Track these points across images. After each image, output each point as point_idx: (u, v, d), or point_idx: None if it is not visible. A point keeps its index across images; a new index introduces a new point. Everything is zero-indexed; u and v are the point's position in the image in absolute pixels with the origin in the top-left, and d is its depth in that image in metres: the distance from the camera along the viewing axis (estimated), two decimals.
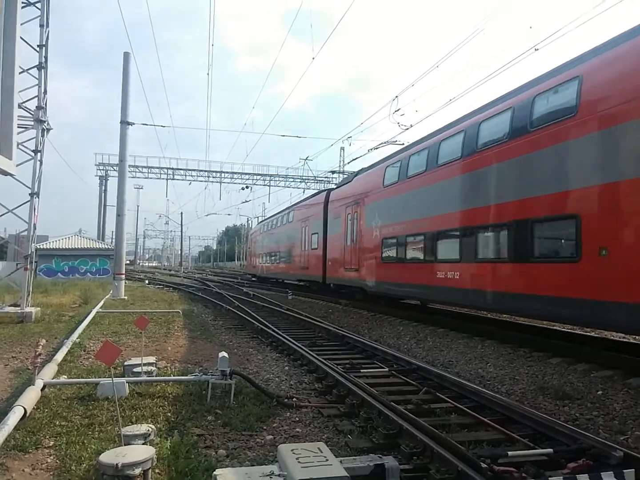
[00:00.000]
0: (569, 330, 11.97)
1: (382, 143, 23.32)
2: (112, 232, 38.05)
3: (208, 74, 47.58)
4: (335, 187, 24.48)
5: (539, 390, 6.75)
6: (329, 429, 5.22)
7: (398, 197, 14.99)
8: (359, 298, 18.63)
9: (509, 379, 7.54)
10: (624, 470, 3.78)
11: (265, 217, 40.72)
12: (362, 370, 7.63)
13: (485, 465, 3.84)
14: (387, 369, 7.83)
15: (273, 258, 33.49)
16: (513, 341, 10.53)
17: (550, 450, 4.30)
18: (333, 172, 49.00)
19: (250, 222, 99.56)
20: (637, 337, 11.53)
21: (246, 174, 50.20)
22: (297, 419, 5.48)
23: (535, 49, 11.70)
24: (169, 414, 5.39)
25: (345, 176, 23.17)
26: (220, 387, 6.13)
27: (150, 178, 48.65)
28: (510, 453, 4.19)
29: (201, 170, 49.17)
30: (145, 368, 6.83)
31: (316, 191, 33.96)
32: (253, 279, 40.79)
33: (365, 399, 5.78)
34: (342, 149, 51.22)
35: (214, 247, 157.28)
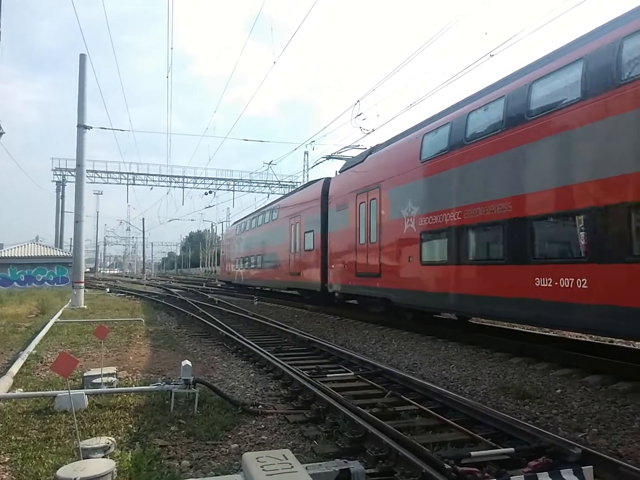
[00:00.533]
0: (529, 331, 12.30)
1: (344, 147, 23.47)
2: (71, 239, 37.04)
3: (167, 77, 47.02)
4: (337, 173, 19.60)
5: (501, 390, 6.90)
6: (295, 435, 5.19)
7: (450, 172, 10.92)
8: (378, 311, 14.85)
9: (471, 379, 7.68)
10: (583, 467, 3.90)
11: (242, 217, 36.34)
12: (328, 375, 7.63)
13: (449, 467, 3.89)
14: (352, 373, 7.85)
15: (253, 263, 29.14)
16: (476, 342, 10.74)
17: (512, 449, 4.39)
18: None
19: (214, 227, 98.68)
20: (593, 336, 11.95)
21: (209, 178, 49.69)
22: (263, 426, 5.43)
23: (491, 55, 12.00)
24: (131, 426, 5.25)
25: (351, 158, 18.94)
26: (183, 397, 6.01)
27: (110, 183, 47.62)
28: (473, 453, 4.26)
29: (163, 175, 48.40)
30: (105, 379, 6.64)
31: (305, 183, 28.50)
32: (230, 287, 36.71)
33: (331, 404, 5.77)
34: (306, 153, 51.35)
35: (178, 254, 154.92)
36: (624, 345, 10.25)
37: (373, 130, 20.96)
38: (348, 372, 8.03)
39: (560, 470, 3.83)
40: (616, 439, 4.96)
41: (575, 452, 4.20)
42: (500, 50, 11.75)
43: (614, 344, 10.46)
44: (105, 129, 23.92)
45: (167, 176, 48.59)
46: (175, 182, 49.30)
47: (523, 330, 12.46)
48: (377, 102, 52.80)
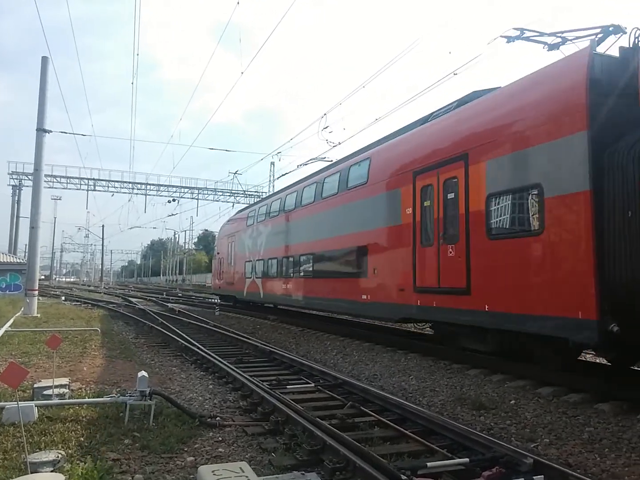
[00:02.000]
0: None
1: (311, 159, 23.57)
2: (26, 245, 35.74)
3: (132, 83, 46.30)
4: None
5: (458, 401, 7.01)
6: (252, 447, 5.13)
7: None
8: None
9: (429, 390, 7.78)
10: (534, 477, 4.01)
11: (258, 201, 27.36)
12: (288, 387, 7.59)
13: (405, 477, 3.93)
14: (313, 385, 7.84)
15: (293, 267, 17.78)
16: (434, 354, 10.90)
17: (467, 459, 4.47)
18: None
19: (177, 235, 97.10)
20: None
21: (173, 186, 49.03)
22: (220, 438, 5.34)
23: (455, 74, 12.36)
24: (82, 439, 5.08)
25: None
26: (139, 409, 5.86)
27: (70, 189, 46.35)
28: (429, 464, 4.31)
29: (125, 182, 47.47)
30: (57, 390, 6.41)
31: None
32: (228, 303, 26.30)
33: (290, 415, 5.74)
34: (272, 163, 51.30)
35: (138, 262, 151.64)
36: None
37: (339, 143, 21.20)
38: (309, 383, 8.01)
39: None
40: (567, 449, 5.10)
41: (527, 462, 4.30)
42: (463, 70, 12.08)
43: None
44: (66, 133, 23.32)
45: (129, 183, 47.70)
46: (138, 189, 48.48)
47: None
48: (344, 115, 53.39)
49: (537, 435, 5.57)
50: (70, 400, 6.29)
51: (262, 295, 21.14)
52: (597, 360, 10.20)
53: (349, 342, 13.08)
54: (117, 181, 47.13)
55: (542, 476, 4.01)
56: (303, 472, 4.01)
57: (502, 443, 4.78)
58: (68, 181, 45.50)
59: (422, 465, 4.28)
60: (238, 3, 14.53)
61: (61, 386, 6.60)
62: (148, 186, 48.32)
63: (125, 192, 48.35)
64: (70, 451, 4.67)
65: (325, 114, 20.14)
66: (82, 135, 28.38)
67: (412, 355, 10.88)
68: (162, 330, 14.53)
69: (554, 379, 8.13)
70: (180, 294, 41.32)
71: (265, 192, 52.38)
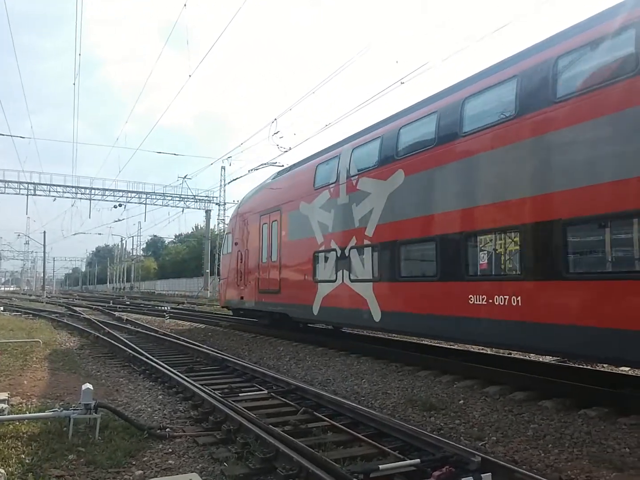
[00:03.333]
0: (435, 345, 12.86)
1: (262, 164, 23.45)
2: None
3: (74, 84, 44.62)
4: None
5: (409, 403, 7.13)
6: (204, 458, 5.03)
7: None
8: None
9: (382, 393, 7.87)
10: (482, 475, 4.11)
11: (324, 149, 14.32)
12: (240, 394, 7.50)
13: None
14: (266, 391, 7.77)
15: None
16: (386, 356, 11.05)
17: (418, 460, 4.54)
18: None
19: (124, 241, 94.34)
20: (493, 349, 12.69)
21: (119, 190, 47.71)
22: (170, 450, 5.21)
23: (402, 82, 12.61)
24: (23, 456, 4.83)
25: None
26: (84, 423, 5.64)
27: (8, 193, 44.19)
28: (381, 467, 4.35)
29: (68, 186, 45.77)
30: None
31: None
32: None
33: (242, 423, 5.67)
34: (223, 168, 50.75)
35: (83, 269, 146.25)
36: (521, 356, 11.00)
37: (290, 149, 21.20)
38: (261, 390, 7.94)
39: (462, 479, 4.02)
40: (513, 446, 5.28)
41: (475, 461, 4.42)
42: (409, 79, 12.36)
43: (512, 355, 11.20)
44: (3, 135, 22.21)
45: (72, 187, 46.03)
46: (82, 194, 46.86)
47: (430, 344, 13.01)
48: (294, 120, 53.56)
49: (485, 434, 5.74)
50: (10, 416, 5.95)
51: (381, 317, 10.60)
52: (541, 359, 10.63)
53: (302, 348, 13.06)
54: (60, 185, 45.45)
55: (490, 474, 4.13)
56: None
57: (452, 442, 4.89)
58: (6, 185, 43.45)
59: (374, 468, 4.32)
60: (185, 5, 14.31)
61: (0, 401, 6.25)
62: (92, 190, 46.85)
63: (68, 197, 46.69)
64: (10, 469, 4.43)
65: (275, 119, 20.06)
66: (21, 137, 27.14)
67: (364, 359, 10.99)
68: (108, 340, 14.04)
69: (500, 378, 8.43)
70: (128, 302, 40.07)
71: (216, 197, 51.74)
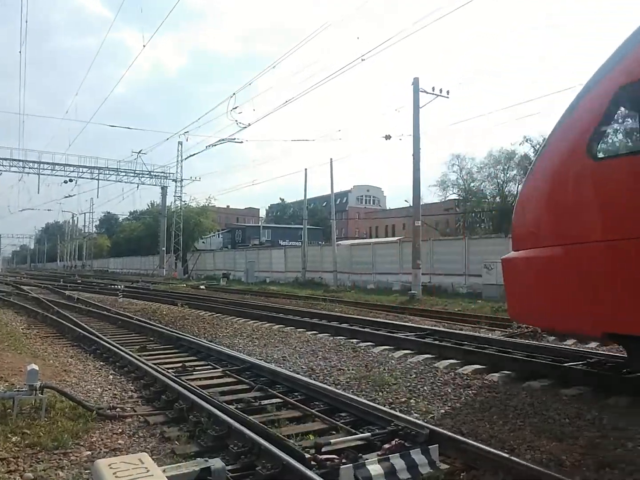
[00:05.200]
0: (390, 322, 13.12)
1: (220, 140, 22.95)
2: None
3: (20, 52, 42.27)
4: None
5: (363, 379, 7.23)
6: (155, 437, 4.96)
7: None
8: None
9: (336, 370, 7.96)
10: (429, 447, 4.23)
11: None
12: (194, 373, 7.43)
13: (309, 456, 4.00)
14: (221, 369, 7.73)
15: None
16: (343, 334, 11.22)
17: (369, 434, 4.64)
18: None
19: (75, 218, 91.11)
20: (446, 324, 13.05)
21: (70, 165, 45.97)
22: (120, 430, 5.12)
23: (362, 59, 12.44)
24: None
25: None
26: (29, 404, 5.46)
27: None
28: (332, 441, 4.42)
29: (14, 160, 43.69)
30: None
31: None
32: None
33: (195, 402, 5.61)
34: (180, 143, 49.60)
35: (32, 247, 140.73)
36: (472, 333, 11.36)
37: (249, 124, 20.81)
38: (216, 368, 7.89)
39: (410, 451, 4.12)
40: (460, 418, 5.45)
41: (424, 433, 4.54)
42: (370, 55, 12.23)
43: (464, 332, 11.56)
44: None
45: (19, 161, 43.97)
46: (30, 168, 44.82)
47: (386, 321, 13.25)
48: (254, 96, 52.60)
49: (435, 407, 5.90)
50: None
51: None
52: (490, 335, 11.00)
53: (259, 326, 13.05)
54: (6, 159, 43.29)
55: (437, 445, 4.25)
56: (206, 459, 3.94)
57: (402, 416, 5.00)
58: None
59: (326, 443, 4.38)
60: None
61: None
62: (41, 165, 44.85)
63: (15, 172, 44.75)
64: None
65: (234, 94, 19.62)
66: None
67: (321, 336, 11.09)
68: (57, 319, 13.61)
69: (450, 353, 8.72)
70: (79, 281, 38.90)
71: (173, 174, 50.66)
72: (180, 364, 7.99)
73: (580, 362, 7.46)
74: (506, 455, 4.05)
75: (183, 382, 6.43)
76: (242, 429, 4.63)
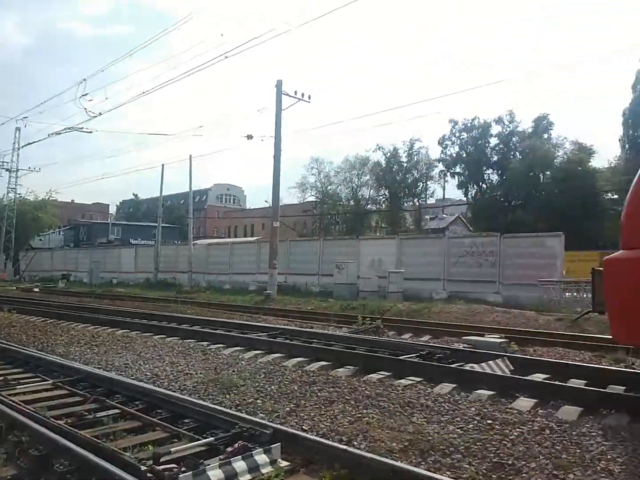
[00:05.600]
0: (243, 322, 13.09)
1: (66, 128, 20.99)
2: None
3: None
4: None
5: (210, 382, 7.09)
6: None
7: None
8: None
9: (183, 374, 7.70)
10: (272, 446, 4.27)
11: None
12: (17, 387, 6.64)
13: (146, 468, 3.79)
14: (51, 381, 7.01)
15: None
16: (193, 336, 10.91)
17: (212, 439, 4.53)
18: None
19: None
20: (297, 323, 13.36)
21: None
22: None
23: (226, 57, 12.32)
24: None
25: None
26: None
27: None
28: (173, 449, 4.24)
29: None
30: None
31: None
32: None
33: (17, 419, 5.01)
34: (18, 129, 44.68)
35: None
36: (321, 331, 11.80)
37: (100, 114, 19.36)
38: (46, 380, 7.14)
39: (252, 452, 4.12)
40: (303, 415, 5.60)
41: (267, 433, 4.56)
42: (234, 54, 12.13)
43: (313, 330, 11.95)
44: None
45: None
46: None
47: (239, 322, 13.18)
48: (107, 84, 49.02)
49: (280, 406, 5.98)
50: None
51: None
52: (337, 332, 11.52)
53: (100, 331, 12.13)
54: None
55: (279, 444, 4.31)
56: None
57: (248, 417, 4.99)
58: None
59: (165, 452, 4.18)
60: None
61: None
62: None
63: None
64: None
65: (84, 79, 18.08)
66: None
67: (169, 340, 10.66)
68: None
69: (300, 352, 8.96)
70: None
71: (8, 163, 45.29)
72: (1, 378, 7.09)
73: (414, 355, 8.17)
74: (342, 447, 4.25)
75: (2, 398, 5.71)
76: (70, 445, 4.24)
